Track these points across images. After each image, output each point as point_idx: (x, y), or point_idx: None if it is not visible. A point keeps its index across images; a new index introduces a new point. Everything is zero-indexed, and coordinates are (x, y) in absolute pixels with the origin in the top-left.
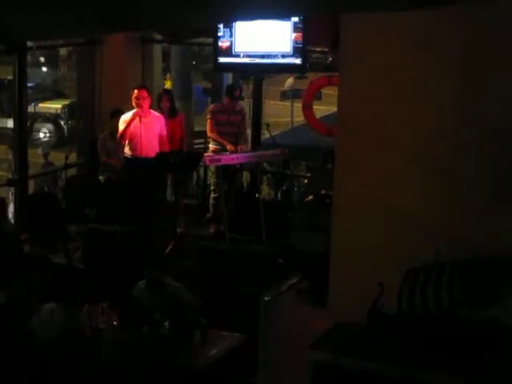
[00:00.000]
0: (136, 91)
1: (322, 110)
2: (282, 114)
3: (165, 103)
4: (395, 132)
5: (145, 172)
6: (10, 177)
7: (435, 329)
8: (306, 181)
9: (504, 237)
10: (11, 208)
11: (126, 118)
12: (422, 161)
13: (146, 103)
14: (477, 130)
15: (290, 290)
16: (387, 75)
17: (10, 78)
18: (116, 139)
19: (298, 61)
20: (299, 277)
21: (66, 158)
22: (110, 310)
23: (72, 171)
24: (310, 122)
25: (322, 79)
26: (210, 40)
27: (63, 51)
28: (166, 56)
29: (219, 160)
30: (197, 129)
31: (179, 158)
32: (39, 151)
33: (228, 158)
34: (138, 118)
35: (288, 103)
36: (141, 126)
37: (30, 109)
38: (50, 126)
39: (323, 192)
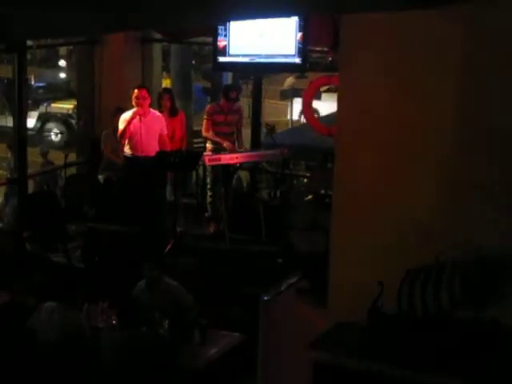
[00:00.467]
0: (136, 91)
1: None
2: (281, 113)
3: (165, 102)
4: (395, 132)
5: (144, 171)
6: (9, 176)
7: (435, 329)
8: (305, 180)
9: (504, 237)
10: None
11: (125, 116)
12: (422, 161)
13: (146, 103)
14: (477, 129)
15: (290, 290)
16: (387, 75)
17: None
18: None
19: (298, 60)
20: (299, 276)
21: (66, 157)
22: (110, 310)
23: (72, 170)
24: (310, 121)
25: (321, 79)
26: (210, 39)
27: (63, 50)
28: (166, 55)
29: (219, 159)
30: (196, 128)
31: (179, 157)
32: (38, 150)
33: (228, 158)
34: (137, 118)
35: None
36: (140, 126)
37: (42, 109)
38: (61, 126)
39: (323, 191)
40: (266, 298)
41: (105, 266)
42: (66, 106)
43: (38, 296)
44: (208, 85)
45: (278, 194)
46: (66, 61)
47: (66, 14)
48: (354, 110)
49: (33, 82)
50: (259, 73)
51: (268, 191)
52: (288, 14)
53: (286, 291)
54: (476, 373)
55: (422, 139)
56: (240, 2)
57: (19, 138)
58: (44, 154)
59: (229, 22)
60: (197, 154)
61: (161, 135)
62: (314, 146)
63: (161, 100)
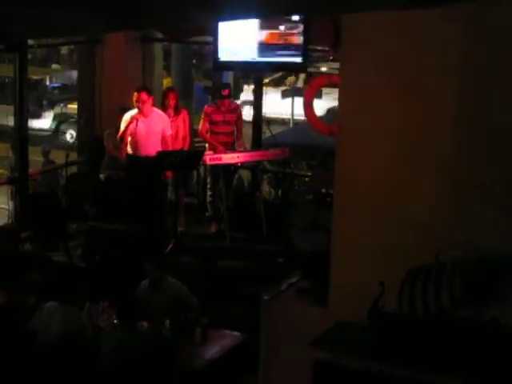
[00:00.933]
0: (136, 94)
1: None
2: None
3: (171, 100)
4: (395, 131)
5: (145, 171)
6: (9, 175)
7: (436, 328)
8: (306, 180)
9: (504, 237)
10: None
11: (126, 117)
12: (422, 160)
13: (147, 106)
14: (477, 129)
15: (290, 289)
16: (387, 74)
17: (34, 77)
18: None
19: (298, 59)
20: (299, 276)
21: (67, 156)
22: (111, 309)
23: (73, 169)
24: (311, 120)
25: (322, 78)
26: (210, 39)
27: (64, 50)
28: (167, 55)
29: (220, 159)
30: (197, 127)
31: (180, 156)
32: (39, 150)
33: (228, 157)
34: (139, 118)
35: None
36: (142, 126)
37: (58, 109)
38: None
39: (323, 191)
40: (266, 298)
41: (106, 265)
42: None
43: (38, 295)
44: (209, 84)
45: (279, 193)
46: (67, 60)
47: (66, 14)
48: (355, 109)
49: (48, 83)
50: (259, 72)
51: (269, 190)
52: (288, 14)
53: (286, 291)
54: (476, 372)
55: (422, 139)
56: (240, 1)
57: (20, 137)
58: (45, 154)
59: (227, 21)
60: (198, 154)
61: (163, 135)
62: (314, 146)
63: (165, 98)
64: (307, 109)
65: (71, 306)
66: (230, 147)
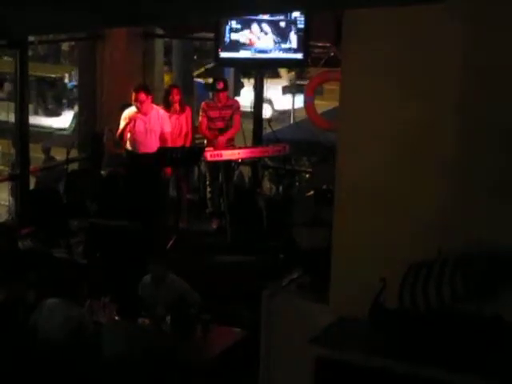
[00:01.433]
0: (134, 94)
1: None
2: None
3: (175, 96)
4: (397, 128)
5: (144, 167)
6: (10, 171)
7: (437, 324)
8: (307, 176)
9: (506, 233)
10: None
11: (125, 115)
12: (424, 156)
13: (145, 104)
14: (480, 127)
15: (291, 285)
16: (389, 70)
17: (53, 75)
18: None
19: (299, 56)
20: (300, 272)
21: (68, 152)
22: (112, 305)
23: (74, 166)
24: (311, 116)
25: (323, 74)
26: (212, 35)
27: (65, 46)
28: (168, 50)
29: (220, 155)
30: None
31: (180, 153)
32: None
33: (229, 154)
34: (138, 116)
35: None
36: (140, 124)
37: (76, 109)
38: None
39: (325, 187)
40: (267, 294)
41: (107, 262)
42: None
43: (39, 292)
44: (210, 80)
45: (280, 189)
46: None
47: (65, 9)
48: (356, 105)
49: (67, 81)
50: (261, 68)
51: (270, 187)
52: (289, 10)
53: (287, 287)
54: (478, 368)
55: (423, 135)
56: None
57: (21, 134)
58: (46, 150)
59: (228, 17)
60: (199, 150)
61: (162, 133)
62: (315, 142)
63: (169, 95)
64: (308, 105)
65: (72, 303)
66: (229, 143)
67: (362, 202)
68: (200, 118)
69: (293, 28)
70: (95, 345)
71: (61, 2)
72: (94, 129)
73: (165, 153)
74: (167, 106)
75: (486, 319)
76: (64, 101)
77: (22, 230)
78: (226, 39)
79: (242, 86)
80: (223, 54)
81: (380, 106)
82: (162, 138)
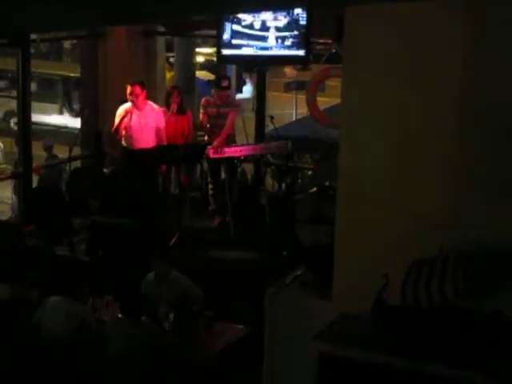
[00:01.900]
0: (129, 87)
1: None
2: (285, 105)
3: (175, 98)
4: (400, 124)
5: (140, 163)
6: (13, 169)
7: (440, 320)
8: (309, 173)
9: (506, 231)
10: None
11: (120, 111)
12: (426, 153)
13: (140, 98)
14: (481, 123)
15: (295, 282)
16: (391, 66)
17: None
18: None
19: (301, 52)
20: (303, 269)
21: (70, 150)
22: (115, 303)
23: (76, 164)
24: (313, 113)
25: (325, 70)
26: (214, 32)
27: (67, 44)
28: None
29: (223, 152)
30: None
31: (183, 150)
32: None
33: (232, 151)
34: (133, 111)
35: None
36: (135, 119)
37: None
38: None
39: (327, 184)
40: (271, 291)
41: (109, 260)
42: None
43: (42, 290)
44: (212, 78)
45: (283, 186)
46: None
47: (66, 7)
48: (358, 102)
49: None
50: (263, 65)
51: (272, 184)
52: (291, 7)
53: (290, 284)
54: (480, 364)
55: (424, 133)
56: None
57: (23, 132)
58: (48, 148)
59: (230, 14)
60: (201, 147)
61: (157, 128)
62: (318, 139)
63: (170, 97)
64: (310, 101)
65: (75, 301)
66: (228, 142)
67: (365, 198)
68: (201, 115)
69: (295, 25)
70: (98, 342)
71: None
72: (97, 127)
73: (168, 150)
74: (168, 107)
75: (488, 315)
76: None
77: (25, 228)
78: (228, 36)
79: (244, 83)
80: (225, 52)
81: (382, 103)
82: (158, 133)
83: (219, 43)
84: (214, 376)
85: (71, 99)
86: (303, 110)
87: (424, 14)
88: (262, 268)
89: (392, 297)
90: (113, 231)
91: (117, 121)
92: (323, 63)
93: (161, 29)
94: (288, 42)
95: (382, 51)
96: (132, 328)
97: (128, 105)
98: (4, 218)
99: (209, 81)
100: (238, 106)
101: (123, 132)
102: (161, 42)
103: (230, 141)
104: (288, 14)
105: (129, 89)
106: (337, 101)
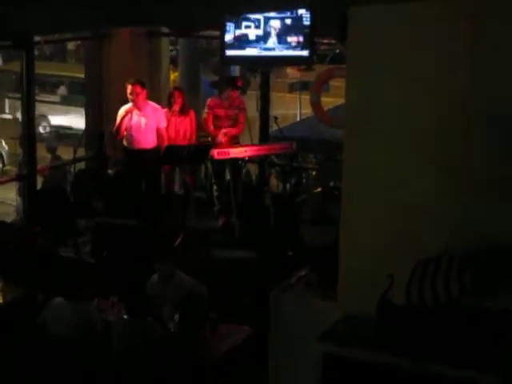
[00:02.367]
0: (130, 86)
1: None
2: (289, 106)
3: (177, 99)
4: (405, 123)
5: (141, 163)
6: (17, 171)
7: (445, 320)
8: (314, 173)
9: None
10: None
11: (121, 111)
12: (433, 155)
13: (140, 98)
14: (488, 123)
15: (299, 283)
16: (394, 68)
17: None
18: None
19: (305, 53)
20: (308, 269)
21: (75, 152)
22: (120, 304)
23: (80, 165)
24: (318, 113)
25: (329, 71)
26: (217, 33)
27: (71, 45)
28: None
29: (227, 153)
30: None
31: (187, 151)
32: (46, 146)
33: (236, 152)
34: (134, 111)
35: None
36: (135, 119)
37: None
38: None
39: (332, 184)
40: (275, 292)
41: (114, 261)
42: None
43: (47, 291)
44: (216, 79)
45: (287, 187)
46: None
47: (70, 9)
48: (363, 102)
49: None
50: (267, 66)
51: (277, 184)
52: (294, 8)
53: (295, 284)
54: (487, 363)
55: (431, 132)
56: None
57: (28, 134)
58: (52, 150)
59: (234, 15)
60: (206, 148)
61: (158, 128)
62: (322, 139)
63: (172, 97)
64: (314, 102)
65: (80, 302)
66: (233, 142)
67: (369, 199)
68: (205, 115)
69: (299, 25)
70: (104, 344)
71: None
72: (101, 128)
73: (173, 151)
74: (170, 108)
75: (494, 314)
76: None
77: (30, 230)
78: (231, 37)
79: (249, 84)
80: (229, 52)
81: (386, 103)
82: (159, 133)
83: (222, 44)
84: (220, 377)
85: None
86: (307, 111)
87: (427, 14)
88: (267, 268)
89: (397, 297)
90: (117, 232)
91: (117, 121)
92: (327, 64)
93: (165, 30)
94: (292, 43)
95: (385, 51)
96: (137, 329)
97: (129, 105)
98: (9, 219)
99: (212, 82)
100: (244, 108)
101: (124, 132)
102: (165, 42)
103: (234, 141)
104: (292, 14)
105: (129, 88)
106: (341, 101)
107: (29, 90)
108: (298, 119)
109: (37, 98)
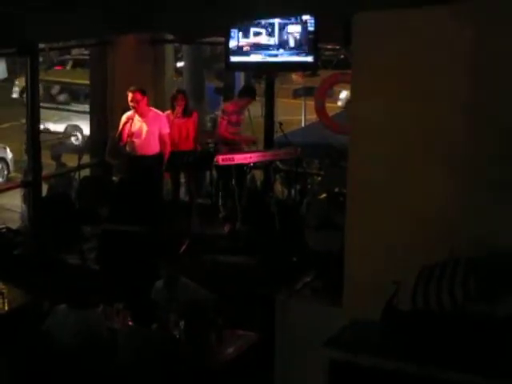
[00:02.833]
0: (130, 94)
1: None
2: (293, 112)
3: (180, 102)
4: (408, 130)
5: (143, 170)
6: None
7: (451, 325)
8: (319, 179)
9: None
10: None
11: (123, 118)
12: (437, 159)
13: (141, 105)
14: (491, 127)
15: (305, 289)
16: (399, 73)
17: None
18: None
19: (309, 59)
20: (314, 275)
21: (79, 159)
22: (125, 311)
23: (86, 172)
24: (323, 119)
25: (334, 76)
26: (222, 39)
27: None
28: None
29: (232, 159)
30: (205, 128)
31: (192, 157)
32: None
33: (241, 157)
34: (135, 118)
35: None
36: (137, 125)
37: None
38: None
39: (337, 190)
40: (281, 297)
41: (120, 268)
42: None
43: (53, 298)
44: (221, 85)
45: (292, 192)
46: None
47: (76, 16)
48: (368, 108)
49: None
50: (271, 71)
51: (282, 190)
52: (300, 14)
53: (301, 290)
54: (492, 369)
55: (435, 137)
56: (252, 2)
57: (33, 140)
58: (56, 157)
59: (240, 21)
60: (210, 154)
61: (161, 134)
62: (327, 144)
63: (175, 100)
64: (319, 108)
65: (85, 309)
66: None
67: (374, 204)
68: (220, 120)
69: (303, 31)
70: (109, 351)
71: (72, 7)
72: (106, 135)
73: (177, 157)
74: (173, 110)
75: (500, 319)
76: None
77: (35, 237)
78: (235, 44)
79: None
80: (233, 58)
81: (391, 108)
82: (162, 139)
83: (227, 50)
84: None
85: None
86: (312, 116)
87: (432, 19)
88: (272, 274)
89: (403, 302)
90: (123, 239)
91: (120, 127)
92: (332, 69)
93: (169, 36)
94: (296, 48)
95: (390, 56)
96: (143, 336)
97: (131, 112)
98: (14, 226)
99: (216, 88)
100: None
101: (127, 139)
102: (169, 49)
103: (238, 148)
104: (296, 20)
105: (130, 96)
106: None
107: (33, 97)
108: (303, 125)
109: (69, 107)
